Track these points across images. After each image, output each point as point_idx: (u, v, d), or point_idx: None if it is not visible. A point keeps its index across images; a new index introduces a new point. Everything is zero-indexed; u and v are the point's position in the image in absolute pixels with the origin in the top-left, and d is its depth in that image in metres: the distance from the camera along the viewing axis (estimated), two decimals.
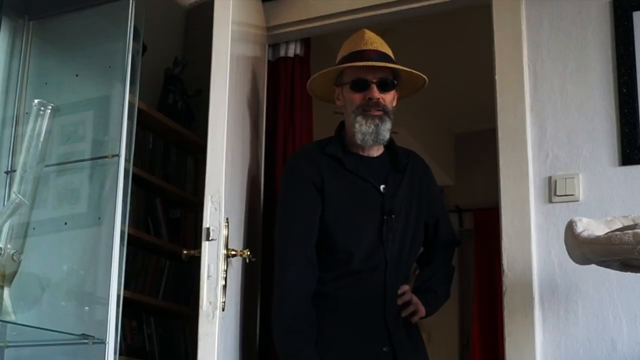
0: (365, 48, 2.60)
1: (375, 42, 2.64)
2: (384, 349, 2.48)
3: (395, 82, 2.61)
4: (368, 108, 2.55)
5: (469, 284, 5.85)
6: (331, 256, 2.53)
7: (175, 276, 3.25)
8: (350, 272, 2.52)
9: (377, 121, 2.55)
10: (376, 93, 2.55)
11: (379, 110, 2.56)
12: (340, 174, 2.59)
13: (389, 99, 2.59)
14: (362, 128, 2.55)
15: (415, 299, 2.58)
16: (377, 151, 2.66)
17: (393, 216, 2.57)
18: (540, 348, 2.58)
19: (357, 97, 2.57)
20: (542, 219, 2.68)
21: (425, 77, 2.66)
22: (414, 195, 2.66)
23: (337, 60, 2.68)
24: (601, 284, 2.55)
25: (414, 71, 2.63)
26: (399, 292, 2.56)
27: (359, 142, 2.58)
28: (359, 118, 2.55)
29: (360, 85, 2.57)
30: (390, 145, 2.68)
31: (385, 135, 2.58)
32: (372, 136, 2.56)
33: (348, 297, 2.51)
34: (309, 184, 2.56)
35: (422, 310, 2.58)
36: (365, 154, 2.64)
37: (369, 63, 2.55)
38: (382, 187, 2.60)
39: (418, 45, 4.35)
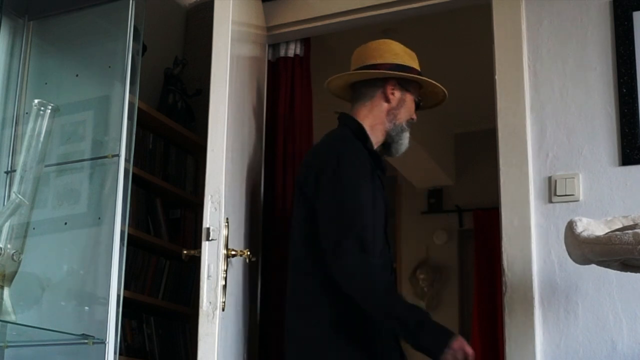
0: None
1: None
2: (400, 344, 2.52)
3: None
4: (410, 126, 2.70)
5: (469, 284, 5.85)
6: None
7: (175, 276, 3.25)
8: None
9: None
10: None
11: None
12: (375, 174, 2.57)
13: None
14: (405, 142, 2.69)
15: None
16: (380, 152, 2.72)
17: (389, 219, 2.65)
18: (540, 348, 2.58)
19: (414, 114, 2.71)
20: (542, 219, 2.68)
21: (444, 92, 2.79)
22: None
23: (402, 63, 2.67)
24: (601, 284, 2.55)
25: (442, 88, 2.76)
26: None
27: (394, 151, 2.69)
28: (407, 132, 2.69)
29: (418, 106, 2.73)
30: None
31: None
32: (402, 151, 2.71)
33: None
34: (372, 186, 2.51)
35: None
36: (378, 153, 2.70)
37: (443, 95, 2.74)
38: None
39: (418, 45, 4.33)
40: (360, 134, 2.59)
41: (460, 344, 2.27)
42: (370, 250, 2.35)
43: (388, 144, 2.68)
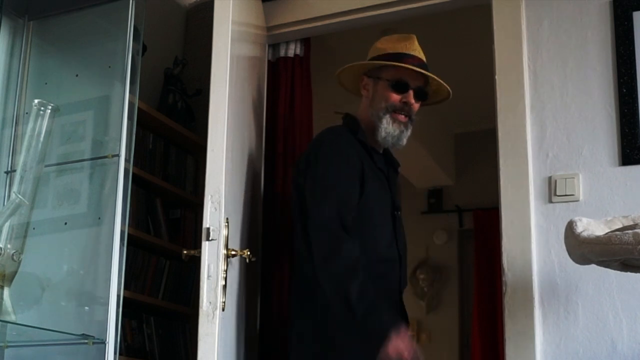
0: (414, 54, 2.65)
1: (421, 52, 2.70)
2: None
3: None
4: (399, 111, 2.61)
5: (469, 284, 5.85)
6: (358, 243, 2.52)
7: (175, 276, 3.25)
8: (374, 262, 2.51)
9: (403, 127, 2.62)
10: (412, 99, 2.61)
11: (407, 115, 2.62)
12: (370, 165, 2.61)
13: (417, 108, 2.66)
14: (388, 128, 2.60)
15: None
16: (380, 148, 2.71)
17: (399, 213, 2.66)
18: (540, 348, 2.58)
19: (394, 98, 2.62)
20: (542, 219, 2.68)
21: (449, 91, 2.74)
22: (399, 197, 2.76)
23: (378, 54, 2.68)
24: (601, 284, 2.55)
25: (445, 85, 2.71)
26: None
27: (378, 139, 2.63)
28: (387, 117, 2.60)
29: (401, 87, 2.61)
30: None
31: (404, 142, 2.65)
32: (394, 139, 2.62)
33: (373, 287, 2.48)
34: (356, 172, 2.53)
35: None
36: (376, 148, 2.69)
37: (423, 71, 2.61)
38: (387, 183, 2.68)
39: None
40: (352, 125, 2.66)
41: (396, 347, 2.23)
42: (348, 227, 2.39)
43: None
